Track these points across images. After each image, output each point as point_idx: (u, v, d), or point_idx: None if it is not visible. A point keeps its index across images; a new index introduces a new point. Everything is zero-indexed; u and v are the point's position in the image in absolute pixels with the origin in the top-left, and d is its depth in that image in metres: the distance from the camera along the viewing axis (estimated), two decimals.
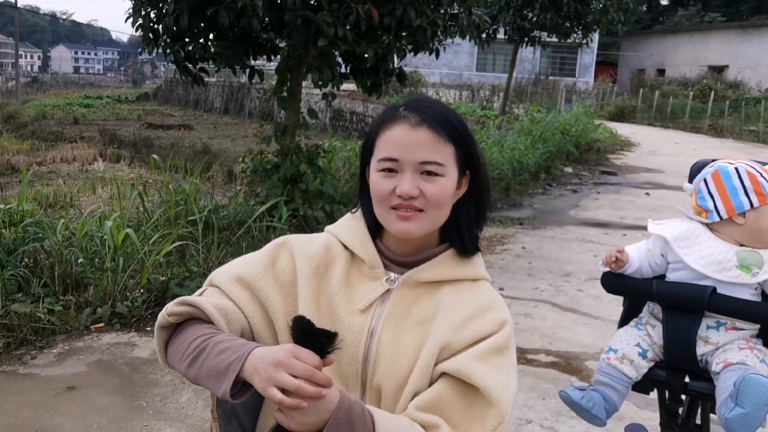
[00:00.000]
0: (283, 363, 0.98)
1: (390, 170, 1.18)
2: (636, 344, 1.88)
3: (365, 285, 1.24)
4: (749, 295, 1.75)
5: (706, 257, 1.78)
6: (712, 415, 1.93)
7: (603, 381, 1.88)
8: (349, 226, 1.31)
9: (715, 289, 1.73)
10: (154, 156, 7.08)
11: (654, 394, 2.00)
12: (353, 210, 1.35)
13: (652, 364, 1.88)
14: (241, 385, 1.06)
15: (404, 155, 1.17)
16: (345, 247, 1.29)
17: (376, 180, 1.19)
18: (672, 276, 1.85)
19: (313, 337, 1.01)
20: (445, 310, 1.20)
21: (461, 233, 1.25)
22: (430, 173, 1.17)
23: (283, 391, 0.97)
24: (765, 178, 1.75)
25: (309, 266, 1.26)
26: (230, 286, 1.24)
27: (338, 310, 1.21)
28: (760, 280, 1.73)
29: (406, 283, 1.23)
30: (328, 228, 1.34)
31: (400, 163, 1.17)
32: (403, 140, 1.17)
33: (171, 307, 1.19)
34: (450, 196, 1.20)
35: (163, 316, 1.19)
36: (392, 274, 1.24)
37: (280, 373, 0.97)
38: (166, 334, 1.20)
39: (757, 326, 1.81)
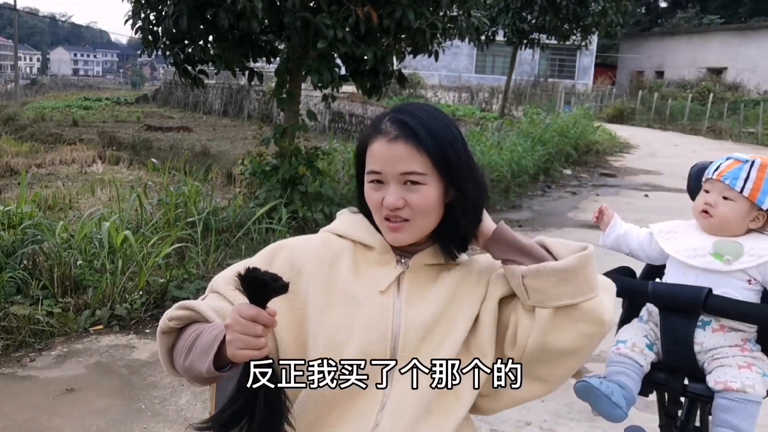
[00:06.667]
0: (230, 325, 1.02)
1: (378, 181, 1.24)
2: (644, 335, 1.88)
3: (377, 271, 1.28)
4: (742, 289, 1.73)
5: (684, 244, 1.81)
6: (711, 417, 1.94)
7: (616, 370, 1.85)
8: (353, 221, 1.36)
9: (710, 290, 1.71)
10: (153, 160, 7.07)
11: (653, 396, 2.00)
12: (353, 211, 1.40)
13: (655, 359, 1.87)
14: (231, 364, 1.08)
15: (386, 169, 1.22)
16: (345, 239, 1.33)
17: (368, 191, 1.26)
18: (667, 269, 1.87)
19: (252, 282, 1.02)
20: (476, 268, 1.31)
21: (442, 235, 1.29)
22: (414, 182, 1.22)
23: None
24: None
25: (310, 265, 1.29)
26: (229, 289, 1.25)
27: (358, 295, 1.25)
28: (733, 269, 1.72)
29: (416, 266, 1.29)
30: (323, 229, 1.39)
31: (384, 176, 1.23)
32: (383, 155, 1.23)
33: (171, 311, 1.22)
34: (435, 203, 1.24)
35: (164, 321, 1.21)
36: (402, 259, 1.30)
37: (231, 332, 1.02)
38: (168, 340, 1.23)
39: (753, 329, 1.78)
